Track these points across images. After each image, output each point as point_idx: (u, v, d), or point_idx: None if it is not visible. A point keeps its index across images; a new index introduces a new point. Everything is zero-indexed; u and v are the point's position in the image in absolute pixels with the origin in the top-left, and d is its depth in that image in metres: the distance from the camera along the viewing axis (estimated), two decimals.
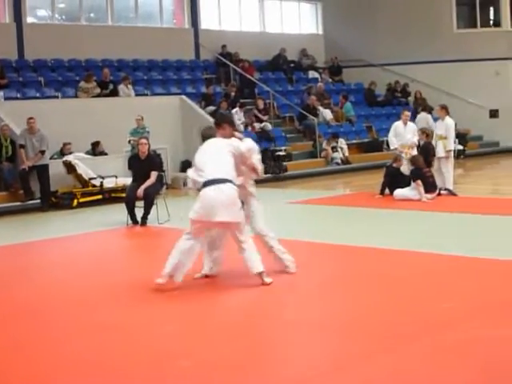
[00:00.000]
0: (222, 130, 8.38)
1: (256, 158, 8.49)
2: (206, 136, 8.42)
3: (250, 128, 21.68)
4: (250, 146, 8.44)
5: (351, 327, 6.53)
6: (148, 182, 12.97)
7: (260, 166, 8.56)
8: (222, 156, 7.99)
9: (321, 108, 23.90)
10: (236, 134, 8.62)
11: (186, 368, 5.59)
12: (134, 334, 6.56)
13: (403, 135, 15.87)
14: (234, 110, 21.47)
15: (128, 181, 14.32)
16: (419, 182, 14.48)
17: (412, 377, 5.30)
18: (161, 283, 7.91)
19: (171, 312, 7.32)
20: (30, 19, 23.01)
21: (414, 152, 15.57)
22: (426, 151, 15.46)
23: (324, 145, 22.28)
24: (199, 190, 7.95)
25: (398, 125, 16.13)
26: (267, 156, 20.76)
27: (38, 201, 16.08)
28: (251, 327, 6.64)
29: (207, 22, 26.31)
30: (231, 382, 5.34)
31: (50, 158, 16.86)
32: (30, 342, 6.51)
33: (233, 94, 22.89)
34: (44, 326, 6.99)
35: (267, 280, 8.04)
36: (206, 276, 8.51)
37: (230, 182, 7.83)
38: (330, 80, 27.72)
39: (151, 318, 7.07)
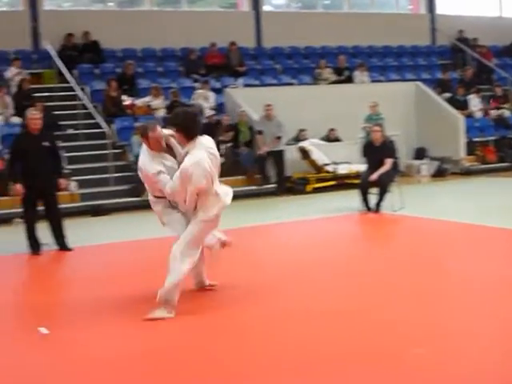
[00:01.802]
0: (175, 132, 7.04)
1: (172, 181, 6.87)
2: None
3: (485, 115, 21.07)
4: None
5: None
6: (382, 169, 12.94)
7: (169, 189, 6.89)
8: None
9: None
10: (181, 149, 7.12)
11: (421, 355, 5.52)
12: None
13: None
14: (470, 96, 20.97)
15: (362, 167, 14.32)
16: None
17: None
18: None
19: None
20: (267, 7, 23.64)
21: None
22: None
23: None
24: None
25: None
26: (504, 144, 20.12)
27: (273, 185, 16.52)
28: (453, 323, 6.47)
29: (443, 6, 25.84)
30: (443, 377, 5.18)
31: (286, 144, 17.23)
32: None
33: (468, 79, 22.33)
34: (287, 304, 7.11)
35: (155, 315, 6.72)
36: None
37: None
38: None
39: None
